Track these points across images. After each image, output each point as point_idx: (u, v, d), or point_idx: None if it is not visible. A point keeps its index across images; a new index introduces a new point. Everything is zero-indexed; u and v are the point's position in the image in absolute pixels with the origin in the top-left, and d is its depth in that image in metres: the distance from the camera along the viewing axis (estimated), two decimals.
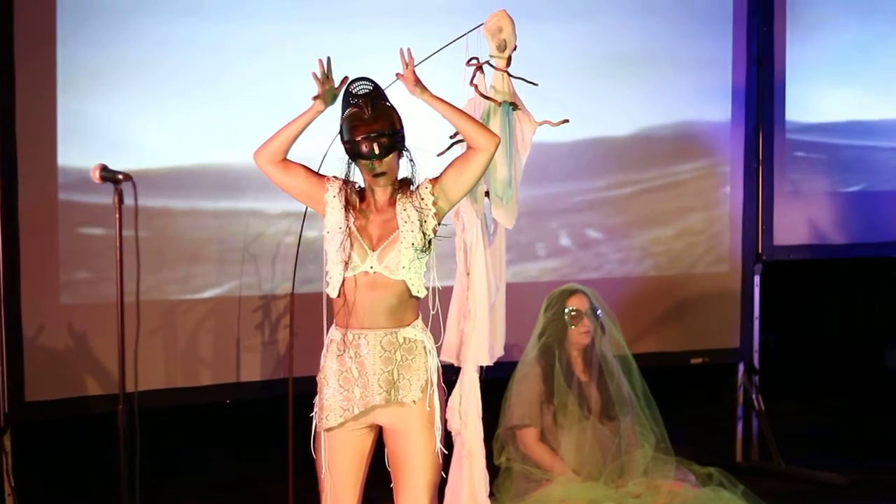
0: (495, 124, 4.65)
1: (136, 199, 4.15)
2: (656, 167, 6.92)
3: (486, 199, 4.73)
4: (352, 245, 3.98)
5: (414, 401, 4.00)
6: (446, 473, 4.66)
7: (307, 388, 4.27)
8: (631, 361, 5.72)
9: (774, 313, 7.92)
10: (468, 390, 4.73)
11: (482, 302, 4.70)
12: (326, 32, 5.92)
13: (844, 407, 8.55)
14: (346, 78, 4.04)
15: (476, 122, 4.14)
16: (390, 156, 3.99)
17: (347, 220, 4.01)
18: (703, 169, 7.06)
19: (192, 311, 5.87)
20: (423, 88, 4.05)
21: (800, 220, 7.35)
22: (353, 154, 4.00)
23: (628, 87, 6.74)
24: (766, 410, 7.16)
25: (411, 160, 4.06)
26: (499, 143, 4.07)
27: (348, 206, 4.03)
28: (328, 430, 4.03)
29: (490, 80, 4.75)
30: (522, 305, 5.79)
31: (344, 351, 4.01)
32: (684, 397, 7.64)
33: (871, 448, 7.49)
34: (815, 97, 7.35)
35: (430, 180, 4.05)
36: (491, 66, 4.73)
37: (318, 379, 4.08)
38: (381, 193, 4.05)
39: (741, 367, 7.24)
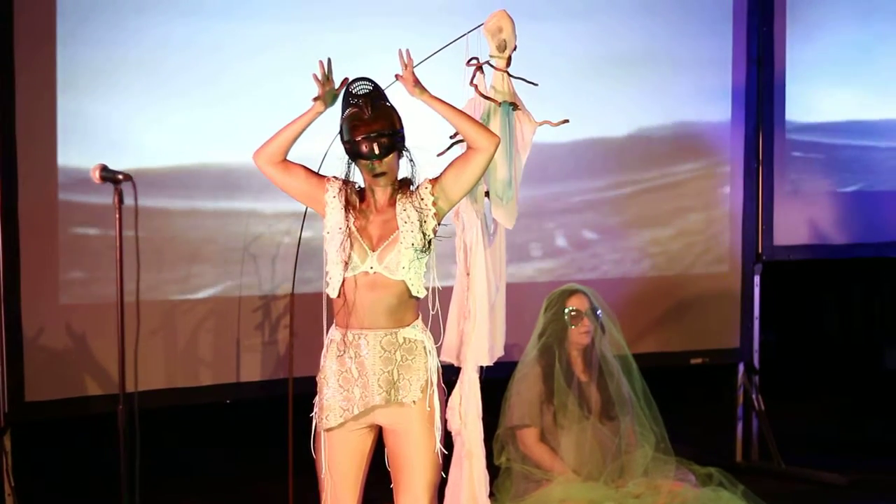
0: (495, 124, 4.65)
1: (136, 199, 4.14)
2: (656, 167, 6.92)
3: (486, 199, 4.73)
4: (352, 245, 3.98)
5: (414, 401, 4.00)
6: (446, 473, 4.66)
7: (307, 388, 4.27)
8: (631, 361, 5.72)
9: (774, 313, 7.92)
10: (468, 390, 4.73)
11: (482, 302, 4.70)
12: (326, 32, 5.92)
13: (844, 407, 8.55)
14: (346, 79, 4.04)
15: (476, 122, 4.14)
16: (390, 156, 3.99)
17: (347, 221, 4.01)
18: (702, 169, 7.06)
19: (192, 311, 5.87)
20: (423, 89, 4.05)
21: (800, 220, 7.35)
22: (353, 154, 4.00)
23: (628, 88, 6.74)
24: (766, 410, 7.16)
25: (411, 160, 4.06)
26: (499, 143, 4.07)
27: (348, 206, 4.03)
28: (328, 430, 4.03)
29: (490, 80, 4.75)
30: (522, 305, 5.79)
31: (344, 351, 4.01)
32: (684, 397, 7.65)
33: (871, 448, 7.49)
34: (815, 97, 7.35)
35: (430, 180, 4.05)
36: (491, 66, 4.74)
37: (318, 379, 4.08)
38: (381, 193, 4.05)
39: (741, 368, 7.24)
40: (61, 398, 5.59)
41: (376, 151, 3.95)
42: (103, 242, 5.48)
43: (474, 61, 4.73)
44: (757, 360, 7.25)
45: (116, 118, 5.64)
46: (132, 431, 4.22)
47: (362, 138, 3.95)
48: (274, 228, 6.00)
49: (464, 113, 4.13)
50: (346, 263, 3.97)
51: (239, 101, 5.83)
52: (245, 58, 5.87)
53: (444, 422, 4.14)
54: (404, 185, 4.07)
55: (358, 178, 4.07)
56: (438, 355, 4.12)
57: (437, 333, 4.19)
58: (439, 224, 4.05)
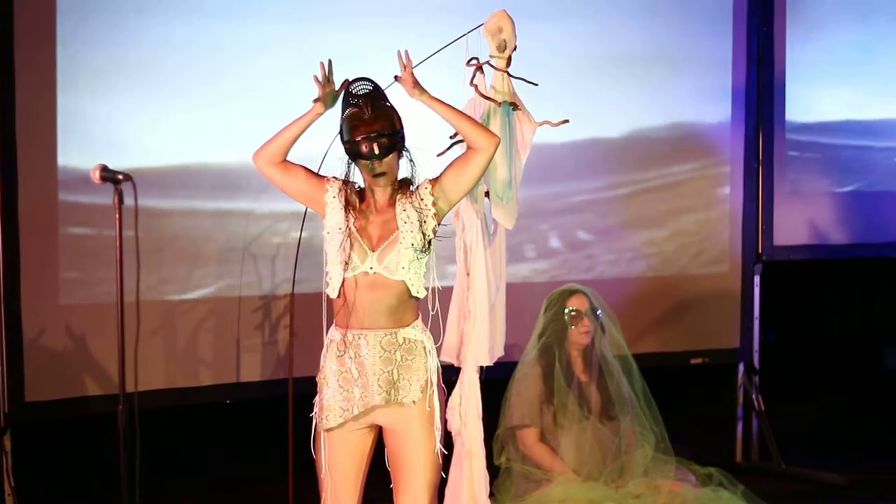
0: (495, 124, 4.65)
1: (136, 199, 4.14)
2: (656, 167, 6.92)
3: (486, 199, 4.73)
4: (351, 245, 3.98)
5: (414, 401, 4.00)
6: (446, 473, 4.66)
7: (307, 388, 4.27)
8: (631, 361, 5.72)
9: (774, 313, 7.92)
10: (468, 390, 4.73)
11: (482, 302, 4.70)
12: (326, 32, 5.92)
13: (844, 407, 8.55)
14: (346, 81, 4.04)
15: (475, 122, 4.14)
16: (390, 156, 3.99)
17: (347, 221, 4.01)
18: (703, 169, 7.06)
19: (192, 311, 5.87)
20: (422, 90, 4.05)
21: (800, 220, 7.35)
22: (353, 154, 4.00)
23: (628, 88, 6.74)
24: (766, 410, 7.16)
25: (411, 160, 4.06)
26: (498, 143, 4.07)
27: (348, 206, 4.03)
28: (328, 430, 4.03)
29: (490, 80, 4.75)
30: (522, 305, 5.79)
31: (344, 351, 4.01)
32: (684, 397, 7.64)
33: (871, 448, 7.49)
34: (815, 97, 7.35)
35: (430, 181, 4.05)
36: (491, 66, 4.73)
37: (317, 379, 4.08)
38: (381, 194, 4.05)
39: (741, 368, 7.24)
40: (61, 398, 5.59)
41: (376, 151, 3.95)
42: (103, 242, 5.47)
43: (474, 61, 4.73)
44: (757, 360, 7.25)
45: (116, 118, 5.64)
46: (132, 431, 4.22)
47: (362, 138, 3.95)
48: (274, 228, 6.00)
49: (463, 113, 4.13)
50: (346, 264, 3.97)
51: (239, 101, 5.83)
52: (245, 58, 5.87)
53: (444, 422, 4.14)
54: (404, 186, 4.07)
55: (358, 178, 4.07)
56: (438, 355, 4.12)
57: (437, 333, 4.19)
58: (439, 224, 4.05)
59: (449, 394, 4.56)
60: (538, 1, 6.40)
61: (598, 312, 5.67)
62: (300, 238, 5.50)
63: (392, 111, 4.02)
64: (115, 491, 4.28)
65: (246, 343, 5.96)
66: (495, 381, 5.19)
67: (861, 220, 7.52)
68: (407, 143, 4.04)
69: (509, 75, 4.72)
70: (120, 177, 4.17)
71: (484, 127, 4.17)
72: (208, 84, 5.81)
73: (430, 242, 4.02)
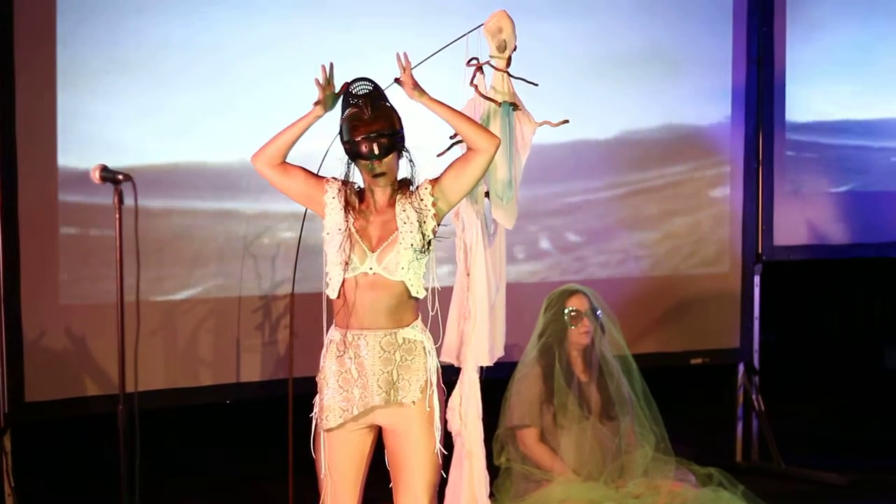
0: (496, 125, 4.65)
1: (136, 199, 4.14)
2: (656, 167, 6.92)
3: (486, 199, 4.73)
4: (351, 246, 3.98)
5: (413, 401, 4.00)
6: (446, 474, 4.65)
7: (307, 388, 4.27)
8: (631, 361, 5.72)
9: (774, 313, 7.92)
10: (468, 391, 4.73)
11: (482, 302, 4.70)
12: (326, 32, 5.92)
13: (844, 407, 8.55)
14: (346, 84, 4.04)
15: (475, 123, 4.14)
16: (390, 156, 3.99)
17: (347, 221, 4.01)
18: (702, 169, 7.05)
19: (192, 311, 5.87)
20: (422, 92, 4.05)
21: (800, 220, 7.35)
22: (353, 154, 4.00)
23: (628, 88, 6.74)
24: (765, 410, 7.16)
25: (411, 160, 4.06)
26: (499, 144, 4.07)
27: (348, 206, 4.03)
28: (328, 430, 4.03)
29: (490, 80, 4.75)
30: (522, 306, 5.79)
31: (343, 351, 4.01)
32: (684, 397, 7.64)
33: (871, 448, 7.49)
34: (815, 97, 7.35)
35: (430, 181, 4.05)
36: (491, 66, 4.73)
37: (317, 379, 4.08)
38: (381, 194, 4.05)
39: (741, 368, 7.24)
40: (61, 398, 5.59)
41: (376, 152, 3.95)
42: (103, 242, 5.47)
43: (474, 61, 4.73)
44: (757, 360, 7.25)
45: (116, 118, 5.64)
46: (132, 431, 4.22)
47: (362, 138, 3.95)
48: (274, 228, 6.00)
49: (463, 115, 4.13)
50: (346, 264, 3.97)
51: (239, 101, 5.83)
52: (245, 58, 5.87)
53: (444, 422, 4.14)
54: (404, 186, 4.06)
55: (357, 178, 4.07)
56: (438, 356, 4.12)
57: (436, 334, 4.19)
58: (439, 225, 4.05)
59: (449, 394, 4.56)
60: (538, 1, 6.40)
61: (598, 312, 5.67)
62: (300, 238, 5.49)
63: (392, 111, 4.02)
64: (115, 491, 4.28)
65: (246, 343, 5.96)
66: (495, 381, 5.19)
67: (861, 220, 7.52)
68: (407, 144, 4.04)
69: (509, 75, 4.72)
70: (120, 177, 4.17)
71: (484, 128, 4.17)
72: (208, 84, 5.81)
73: (429, 243, 4.02)
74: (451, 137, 4.57)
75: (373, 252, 3.98)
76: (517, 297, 5.57)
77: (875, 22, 7.53)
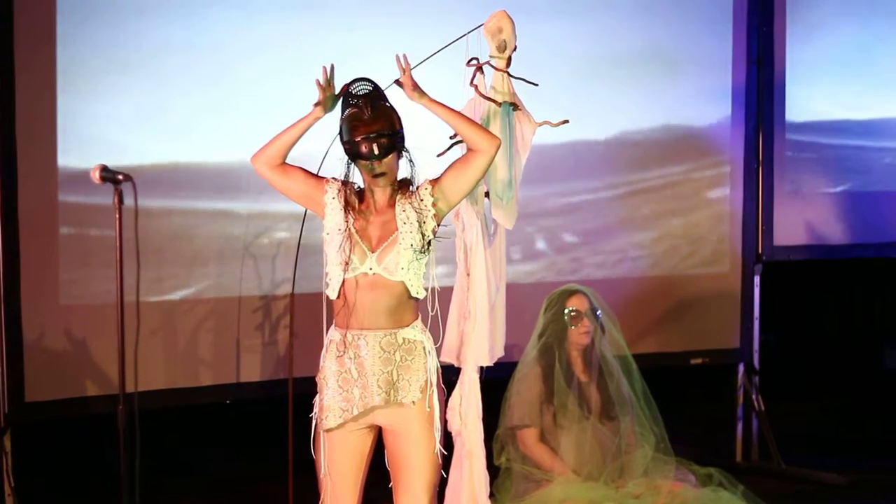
0: (496, 125, 4.64)
1: (136, 199, 4.14)
2: (656, 167, 6.92)
3: (486, 199, 4.73)
4: (351, 246, 3.98)
5: (413, 401, 4.00)
6: (446, 474, 4.65)
7: (307, 388, 4.27)
8: (631, 361, 5.72)
9: (774, 313, 7.92)
10: (468, 391, 4.73)
11: (482, 302, 4.70)
12: (326, 32, 5.93)
13: (844, 407, 8.55)
14: (345, 85, 4.04)
15: (475, 124, 4.14)
16: (390, 156, 3.98)
17: (347, 222, 4.01)
18: (702, 169, 7.05)
19: (192, 311, 5.87)
20: (422, 93, 4.05)
21: (800, 221, 7.35)
22: (353, 154, 4.00)
23: (628, 88, 6.74)
24: (765, 410, 7.16)
25: (411, 161, 4.06)
26: (499, 145, 4.07)
27: (348, 207, 4.03)
28: (328, 430, 4.03)
29: (490, 80, 4.74)
30: (522, 306, 5.79)
31: (343, 352, 4.01)
32: (684, 397, 7.64)
33: (871, 448, 7.49)
34: (815, 97, 7.35)
35: (430, 181, 4.05)
36: (491, 66, 4.73)
37: (317, 379, 4.08)
38: (381, 194, 4.05)
39: (741, 368, 7.24)
40: (61, 398, 5.59)
41: (376, 152, 3.95)
42: (103, 242, 5.47)
43: (474, 62, 4.73)
44: (757, 360, 7.25)
45: (116, 118, 5.64)
46: (132, 431, 4.22)
47: (362, 139, 3.95)
48: (273, 228, 6.00)
49: (463, 116, 4.13)
50: (346, 264, 3.97)
51: (239, 101, 5.83)
52: (245, 58, 5.87)
53: (444, 422, 4.14)
54: (404, 186, 4.07)
55: (357, 178, 4.07)
56: (438, 356, 4.12)
57: (436, 334, 4.19)
58: (439, 225, 4.05)
59: (449, 394, 4.56)
60: (538, 1, 6.40)
61: (598, 313, 5.67)
62: (300, 238, 5.49)
63: (392, 111, 4.02)
64: (115, 491, 4.28)
65: (246, 343, 5.96)
66: (495, 381, 5.19)
67: (861, 220, 7.52)
68: (407, 144, 4.04)
69: (509, 75, 4.72)
70: (120, 177, 4.17)
71: (484, 129, 4.17)
72: (208, 84, 5.81)
73: (429, 243, 4.02)
74: (451, 138, 4.57)
75: (373, 252, 3.98)
76: (518, 298, 5.57)
77: (875, 22, 7.53)
